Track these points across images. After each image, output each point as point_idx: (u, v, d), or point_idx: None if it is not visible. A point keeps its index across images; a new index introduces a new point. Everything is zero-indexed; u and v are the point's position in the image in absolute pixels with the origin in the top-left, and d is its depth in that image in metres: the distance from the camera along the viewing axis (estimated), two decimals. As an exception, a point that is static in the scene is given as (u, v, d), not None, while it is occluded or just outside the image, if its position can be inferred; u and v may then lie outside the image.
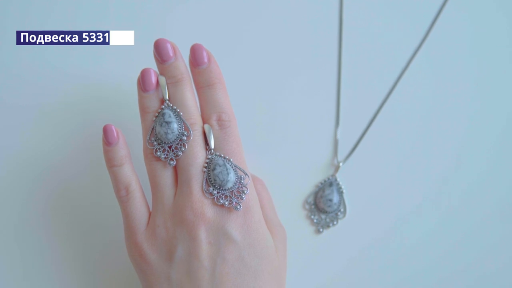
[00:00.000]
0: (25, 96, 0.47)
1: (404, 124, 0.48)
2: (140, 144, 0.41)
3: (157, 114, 0.39)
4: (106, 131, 0.40)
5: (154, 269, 0.38)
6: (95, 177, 0.46)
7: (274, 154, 0.47)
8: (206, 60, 0.39)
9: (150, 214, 0.40)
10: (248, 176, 0.38)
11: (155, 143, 0.38)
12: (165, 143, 0.38)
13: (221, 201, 0.37)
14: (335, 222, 0.47)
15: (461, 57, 0.49)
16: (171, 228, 0.38)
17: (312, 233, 0.47)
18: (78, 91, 0.47)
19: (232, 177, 0.37)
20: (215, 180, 0.37)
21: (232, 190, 0.38)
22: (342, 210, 0.47)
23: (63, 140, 0.47)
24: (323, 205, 0.47)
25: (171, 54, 0.39)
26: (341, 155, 0.48)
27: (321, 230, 0.47)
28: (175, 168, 0.39)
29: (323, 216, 0.47)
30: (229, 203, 0.37)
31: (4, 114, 0.47)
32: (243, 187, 0.38)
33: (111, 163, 0.40)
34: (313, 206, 0.47)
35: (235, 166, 0.38)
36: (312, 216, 0.47)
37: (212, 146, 0.38)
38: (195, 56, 0.39)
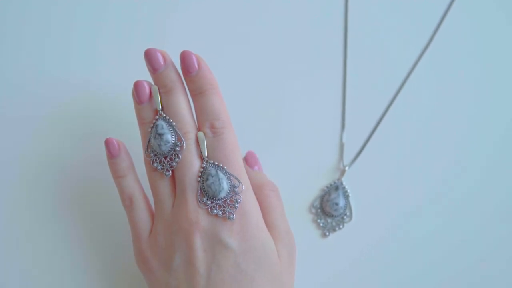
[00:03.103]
0: (26, 106, 0.48)
1: (410, 128, 0.47)
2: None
3: (151, 125, 0.39)
4: (107, 144, 0.41)
5: (155, 276, 0.39)
6: (101, 184, 0.47)
7: (279, 158, 0.48)
8: (196, 66, 0.39)
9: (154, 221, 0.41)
10: (241, 183, 0.39)
11: (152, 154, 0.39)
12: (160, 154, 0.39)
13: (215, 211, 0.38)
14: (341, 226, 0.47)
15: (467, 61, 0.48)
16: (169, 236, 0.39)
17: (319, 236, 0.47)
18: (79, 99, 0.48)
19: (225, 186, 0.38)
20: (208, 190, 0.38)
21: (226, 199, 0.38)
22: (348, 214, 0.47)
23: (67, 147, 0.48)
24: (329, 209, 0.47)
25: (161, 62, 0.39)
26: (347, 159, 0.48)
27: (327, 233, 0.47)
28: (173, 177, 0.40)
29: (329, 220, 0.47)
30: (223, 213, 0.38)
31: (5, 124, 0.48)
32: (237, 196, 0.38)
33: (115, 174, 0.41)
34: (319, 210, 0.48)
35: (228, 174, 0.38)
36: (318, 220, 0.47)
37: (205, 154, 0.39)
38: (185, 63, 0.39)
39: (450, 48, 0.48)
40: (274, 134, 0.48)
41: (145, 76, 0.41)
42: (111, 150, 0.41)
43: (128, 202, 0.41)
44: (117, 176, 0.41)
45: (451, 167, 0.47)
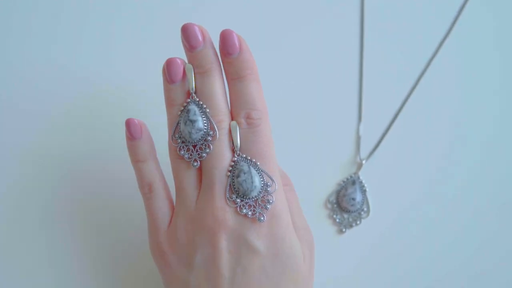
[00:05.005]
0: (38, 97, 0.46)
1: (429, 120, 0.46)
2: (165, 137, 0.39)
3: (182, 108, 0.36)
4: (128, 125, 0.37)
5: (173, 271, 0.37)
6: (116, 174, 0.44)
7: (295, 152, 0.46)
8: (237, 47, 0.35)
9: (173, 212, 0.38)
10: (275, 183, 0.35)
11: (179, 140, 0.36)
12: (189, 142, 0.35)
13: (244, 210, 0.35)
14: (358, 222, 0.45)
15: (487, 53, 0.47)
16: (191, 232, 0.36)
17: (335, 233, 0.46)
18: (97, 87, 0.46)
19: (257, 185, 0.35)
20: (238, 188, 0.35)
21: (257, 199, 0.35)
22: (365, 209, 0.45)
23: (83, 138, 0.45)
24: (345, 204, 0.45)
25: (200, 39, 0.35)
26: (364, 152, 0.46)
27: (343, 230, 0.45)
28: (200, 168, 0.36)
29: (345, 216, 0.45)
30: (253, 214, 0.35)
31: (21, 117, 0.45)
32: (269, 196, 0.35)
33: (135, 158, 0.38)
34: (335, 205, 0.46)
35: (261, 171, 0.35)
36: (335, 216, 0.46)
37: (238, 147, 0.35)
38: (225, 44, 0.35)
39: (469, 41, 0.48)
40: (289, 127, 0.46)
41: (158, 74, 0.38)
42: (132, 132, 0.37)
43: (147, 190, 0.38)
44: (137, 160, 0.38)
45: (473, 160, 0.46)
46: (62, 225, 0.44)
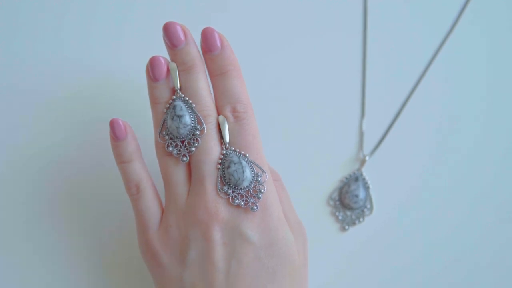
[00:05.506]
0: (32, 89, 0.46)
1: (433, 115, 0.45)
2: (151, 136, 0.39)
3: (168, 105, 0.36)
4: (113, 125, 0.38)
5: (166, 271, 0.36)
6: (104, 171, 0.44)
7: (296, 148, 0.45)
8: (218, 45, 0.36)
9: (162, 211, 0.38)
10: (266, 173, 0.36)
11: (167, 137, 0.36)
12: (177, 137, 0.36)
13: (237, 201, 0.35)
14: (361, 219, 0.44)
15: (488, 48, 0.46)
16: (184, 228, 0.36)
17: (337, 230, 0.45)
18: (87, 82, 0.46)
19: (248, 175, 0.35)
20: (229, 179, 0.35)
21: (248, 189, 0.35)
22: (368, 206, 0.45)
23: (71, 133, 0.45)
24: (348, 201, 0.44)
25: (181, 38, 0.36)
26: (367, 148, 0.45)
27: (346, 227, 0.45)
28: (189, 164, 0.37)
29: (348, 213, 0.45)
30: (245, 204, 0.35)
31: (11, 107, 0.46)
32: (260, 186, 0.35)
33: (120, 159, 0.38)
34: (337, 203, 0.45)
35: (251, 162, 0.35)
36: (337, 213, 0.45)
37: (227, 140, 0.36)
38: (207, 41, 0.36)
39: (474, 35, 0.46)
40: (291, 122, 0.46)
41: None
42: (117, 132, 0.38)
43: (134, 190, 0.38)
44: (122, 161, 0.38)
45: (477, 157, 0.45)
46: (55, 223, 0.44)
